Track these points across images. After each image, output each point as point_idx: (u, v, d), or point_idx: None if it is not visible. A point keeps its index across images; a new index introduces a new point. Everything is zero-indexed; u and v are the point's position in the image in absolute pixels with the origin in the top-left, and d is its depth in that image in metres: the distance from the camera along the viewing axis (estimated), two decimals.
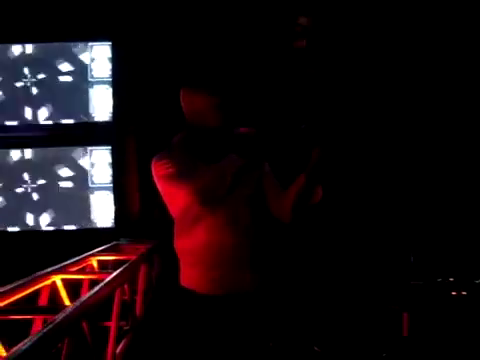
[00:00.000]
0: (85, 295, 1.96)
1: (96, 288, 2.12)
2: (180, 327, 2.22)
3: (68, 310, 1.67)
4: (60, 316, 1.59)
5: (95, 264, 3.56)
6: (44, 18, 5.24)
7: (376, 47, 5.39)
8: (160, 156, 2.11)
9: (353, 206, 5.05)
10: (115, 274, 2.51)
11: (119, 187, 5.44)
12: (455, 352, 2.31)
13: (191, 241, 2.14)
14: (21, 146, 5.41)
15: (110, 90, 5.39)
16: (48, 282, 2.56)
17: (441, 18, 5.30)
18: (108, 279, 2.33)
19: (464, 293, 2.78)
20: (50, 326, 1.47)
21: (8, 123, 5.41)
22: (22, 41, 5.39)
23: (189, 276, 2.21)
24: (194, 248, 2.15)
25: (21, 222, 5.39)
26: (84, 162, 5.42)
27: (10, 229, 5.40)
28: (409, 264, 4.20)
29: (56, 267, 2.74)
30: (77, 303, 1.80)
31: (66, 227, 5.41)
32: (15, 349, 1.32)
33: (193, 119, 2.11)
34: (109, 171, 5.42)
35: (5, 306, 1.95)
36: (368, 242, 4.93)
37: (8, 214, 5.40)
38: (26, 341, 1.35)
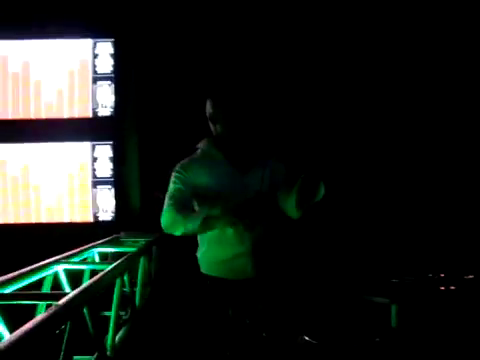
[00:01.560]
0: (88, 282, 2.04)
1: (97, 276, 2.21)
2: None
3: (71, 295, 1.76)
4: (63, 300, 1.68)
5: (96, 256, 3.65)
6: (48, 15, 5.32)
7: (375, 50, 5.47)
8: (183, 163, 2.40)
9: (349, 202, 5.13)
10: (115, 264, 2.60)
11: (120, 181, 5.53)
12: (443, 345, 2.39)
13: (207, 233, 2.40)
14: (24, 140, 5.50)
15: (112, 86, 5.47)
16: (51, 271, 2.65)
17: (441, 20, 5.36)
18: (108, 269, 2.42)
19: (453, 288, 2.86)
20: (54, 309, 1.56)
21: (12, 117, 5.49)
22: (25, 37, 5.47)
23: (202, 261, 2.49)
24: (208, 235, 2.40)
25: (25, 215, 5.48)
26: (87, 157, 5.49)
27: (14, 222, 5.49)
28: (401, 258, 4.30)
29: (59, 257, 2.82)
30: (79, 289, 1.89)
31: (68, 220, 5.49)
32: (20, 330, 1.40)
33: (214, 126, 2.39)
34: (111, 165, 5.49)
35: (10, 292, 2.05)
36: (362, 236, 5.01)
37: (12, 207, 5.48)
38: (30, 323, 1.43)
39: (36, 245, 4.95)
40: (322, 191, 2.26)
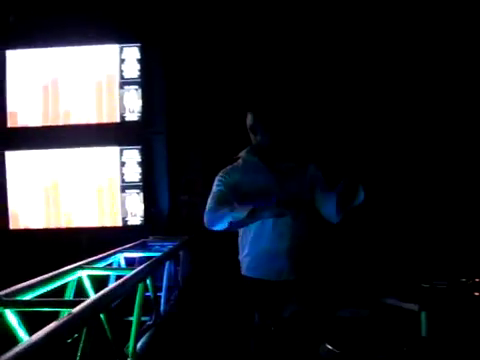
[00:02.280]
0: (105, 289, 2.02)
1: (116, 283, 2.18)
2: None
3: (86, 303, 1.74)
4: (78, 308, 1.66)
5: (122, 260, 3.65)
6: (74, 21, 5.39)
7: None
8: (226, 169, 2.64)
9: (384, 206, 5.04)
10: (137, 270, 2.58)
11: (148, 186, 5.54)
12: (476, 355, 2.27)
13: (247, 231, 2.58)
14: (54, 147, 5.58)
15: (139, 91, 5.49)
16: (74, 277, 2.65)
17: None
18: (129, 274, 2.40)
19: None
20: (66, 317, 1.54)
21: (42, 125, 5.58)
22: (54, 45, 5.55)
23: (243, 263, 2.64)
24: (248, 237, 2.59)
25: (55, 220, 5.56)
26: (115, 161, 5.53)
27: (45, 227, 5.57)
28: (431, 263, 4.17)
29: (82, 262, 2.82)
30: (95, 296, 1.87)
31: (98, 225, 5.53)
32: (29, 339, 1.38)
33: (254, 137, 2.62)
34: (139, 170, 5.52)
35: (31, 299, 2.04)
36: (393, 240, 4.91)
37: (43, 212, 5.57)
38: (41, 332, 1.41)
39: (65, 250, 5.00)
40: (362, 195, 2.38)
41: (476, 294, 2.73)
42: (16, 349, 1.29)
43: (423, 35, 5.38)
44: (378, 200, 4.73)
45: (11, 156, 5.58)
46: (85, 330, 1.70)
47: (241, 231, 2.68)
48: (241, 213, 2.37)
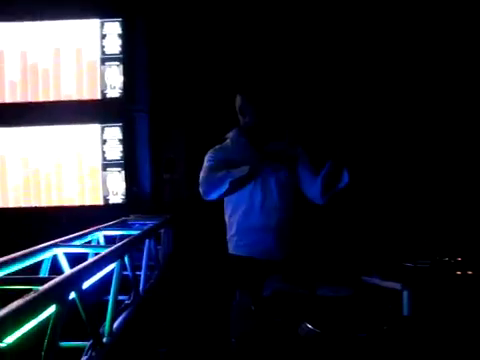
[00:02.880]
0: (77, 266, 1.95)
1: (90, 260, 2.11)
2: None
3: (56, 280, 1.66)
4: (45, 285, 1.59)
5: (101, 239, 3.57)
6: None
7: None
8: (214, 148, 2.74)
9: (366, 185, 5.03)
10: (113, 247, 2.51)
11: (130, 164, 5.45)
12: (459, 334, 2.25)
13: (235, 210, 2.68)
14: (34, 123, 5.44)
15: (121, 67, 5.36)
16: (49, 254, 2.56)
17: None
18: (104, 252, 2.32)
19: (470, 273, 2.72)
20: (32, 295, 1.46)
21: (20, 101, 5.42)
22: (31, 19, 5.37)
23: (230, 241, 2.73)
24: (236, 215, 2.69)
25: (35, 199, 5.45)
26: (96, 139, 5.41)
27: (25, 205, 5.46)
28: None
29: (58, 240, 2.74)
30: (66, 273, 1.80)
31: (79, 203, 5.44)
32: None
33: (243, 118, 2.68)
34: (120, 148, 5.41)
35: (2, 276, 1.96)
36: (376, 218, 4.92)
37: (22, 191, 5.45)
38: (5, 308, 1.34)
39: (45, 229, 4.92)
40: (346, 178, 2.47)
41: (459, 273, 2.72)
42: None
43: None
44: (361, 179, 4.72)
45: None
46: (55, 308, 1.63)
47: (229, 211, 2.74)
48: (241, 171, 2.46)
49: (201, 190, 2.57)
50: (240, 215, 2.66)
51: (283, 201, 2.65)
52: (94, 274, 2.07)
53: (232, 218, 2.72)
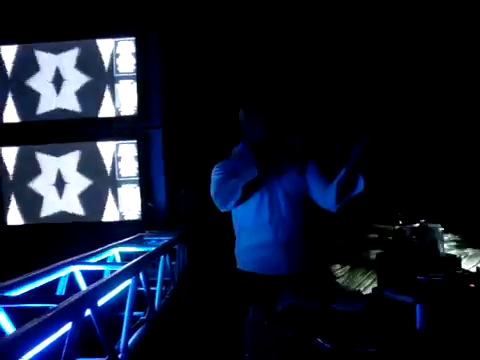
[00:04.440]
0: (93, 284, 1.99)
1: (105, 278, 2.15)
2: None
3: (71, 298, 1.71)
4: (62, 304, 1.63)
5: (117, 255, 3.62)
6: (68, 15, 5.34)
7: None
8: (220, 162, 2.66)
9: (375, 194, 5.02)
10: (128, 264, 2.55)
11: (145, 180, 5.51)
12: (472, 348, 2.23)
13: (242, 224, 2.62)
14: (51, 141, 5.54)
15: (135, 85, 5.45)
16: (66, 272, 2.62)
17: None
18: (120, 269, 2.37)
19: None
20: (51, 312, 1.51)
21: (38, 119, 5.54)
22: (47, 39, 5.51)
23: (237, 257, 2.66)
24: (243, 230, 2.63)
25: (52, 215, 5.53)
26: (112, 156, 5.49)
27: (41, 222, 5.54)
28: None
29: (75, 258, 2.79)
30: (82, 292, 1.84)
31: (95, 220, 5.51)
32: (12, 333, 1.36)
33: (248, 132, 2.63)
34: (135, 164, 5.48)
35: (16, 295, 2.02)
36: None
37: (40, 207, 5.54)
38: (23, 326, 1.39)
39: (62, 245, 4.99)
40: (361, 185, 2.38)
41: (472, 286, 2.70)
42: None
43: (416, 24, 5.35)
44: (373, 189, 4.71)
45: (8, 152, 5.55)
46: (71, 326, 1.67)
47: (237, 226, 2.69)
48: (250, 174, 2.44)
49: (217, 202, 2.55)
50: (248, 231, 2.62)
51: (291, 214, 2.60)
52: (109, 291, 2.11)
53: (240, 233, 2.67)
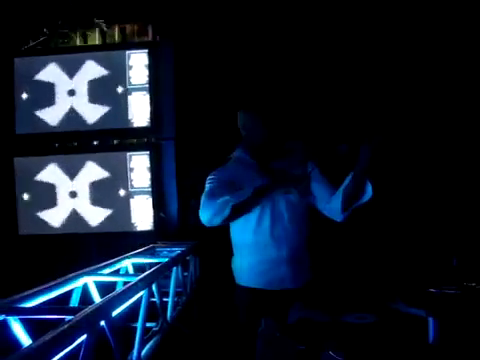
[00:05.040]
0: (107, 296, 2.02)
1: (120, 289, 2.18)
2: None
3: (87, 310, 1.73)
4: (78, 316, 1.66)
5: (130, 266, 3.65)
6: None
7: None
8: (218, 169, 2.56)
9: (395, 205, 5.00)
10: (142, 276, 2.57)
11: (157, 191, 5.56)
12: None
13: (242, 238, 2.49)
14: (63, 152, 5.62)
15: (147, 96, 5.51)
16: (79, 283, 2.65)
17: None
18: (133, 281, 2.39)
19: None
20: (67, 324, 1.54)
21: (50, 131, 5.62)
22: (59, 52, 5.62)
23: (236, 271, 2.58)
24: (244, 245, 2.50)
25: (63, 225, 5.59)
26: (124, 167, 5.54)
27: (53, 232, 5.60)
28: (450, 267, 4.09)
29: (88, 269, 2.82)
30: (98, 303, 1.87)
31: (107, 230, 5.55)
32: (32, 344, 1.38)
33: (247, 136, 2.54)
34: (148, 175, 5.53)
35: (32, 306, 2.05)
36: (400, 242, 4.86)
37: (51, 218, 5.60)
38: (41, 339, 1.41)
39: (75, 256, 5.04)
40: (370, 191, 2.27)
41: None
42: (12, 357, 1.28)
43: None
44: (384, 199, 4.69)
45: (20, 162, 5.63)
46: (85, 337, 1.70)
47: (235, 238, 2.58)
48: (242, 196, 2.27)
49: (201, 216, 2.37)
50: (248, 245, 2.47)
51: (295, 226, 2.44)
52: (123, 303, 2.13)
53: (239, 248, 2.54)
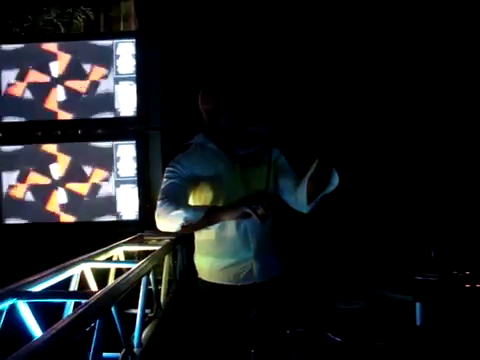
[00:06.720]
0: (115, 281, 2.09)
1: (124, 275, 2.25)
2: (198, 316, 2.54)
3: (99, 294, 1.80)
4: (92, 299, 1.73)
5: (121, 254, 3.71)
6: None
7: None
8: (177, 157, 2.42)
9: (370, 196, 5.10)
10: (141, 263, 2.64)
11: (143, 181, 5.60)
12: (469, 344, 2.38)
13: (206, 233, 2.32)
14: (49, 141, 5.61)
15: (134, 86, 5.53)
16: (78, 270, 2.70)
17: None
18: (135, 267, 2.47)
19: (479, 286, 2.83)
20: (85, 307, 1.61)
21: (36, 119, 5.60)
22: (47, 40, 5.59)
23: (202, 267, 2.45)
24: (208, 239, 2.35)
25: (49, 214, 5.59)
26: (109, 156, 5.57)
27: (39, 221, 5.59)
28: (428, 257, 4.25)
29: (85, 256, 2.88)
30: (108, 287, 1.94)
31: (92, 219, 5.57)
32: (52, 328, 1.44)
33: (208, 119, 2.37)
34: (134, 165, 5.57)
35: (41, 291, 2.11)
36: (384, 233, 4.97)
37: (38, 207, 5.59)
38: (63, 321, 1.48)
39: (60, 244, 5.06)
40: (336, 180, 2.14)
41: (467, 286, 2.84)
42: (40, 338, 1.35)
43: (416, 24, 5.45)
44: (363, 191, 4.80)
45: (6, 150, 5.59)
46: (98, 321, 1.77)
47: (199, 235, 2.42)
48: (197, 214, 2.10)
49: (157, 222, 2.21)
50: (212, 238, 2.31)
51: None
52: (129, 289, 2.20)
53: (202, 240, 2.38)
